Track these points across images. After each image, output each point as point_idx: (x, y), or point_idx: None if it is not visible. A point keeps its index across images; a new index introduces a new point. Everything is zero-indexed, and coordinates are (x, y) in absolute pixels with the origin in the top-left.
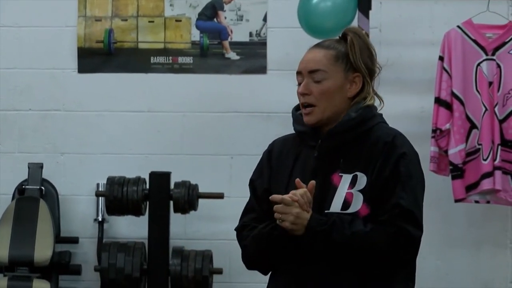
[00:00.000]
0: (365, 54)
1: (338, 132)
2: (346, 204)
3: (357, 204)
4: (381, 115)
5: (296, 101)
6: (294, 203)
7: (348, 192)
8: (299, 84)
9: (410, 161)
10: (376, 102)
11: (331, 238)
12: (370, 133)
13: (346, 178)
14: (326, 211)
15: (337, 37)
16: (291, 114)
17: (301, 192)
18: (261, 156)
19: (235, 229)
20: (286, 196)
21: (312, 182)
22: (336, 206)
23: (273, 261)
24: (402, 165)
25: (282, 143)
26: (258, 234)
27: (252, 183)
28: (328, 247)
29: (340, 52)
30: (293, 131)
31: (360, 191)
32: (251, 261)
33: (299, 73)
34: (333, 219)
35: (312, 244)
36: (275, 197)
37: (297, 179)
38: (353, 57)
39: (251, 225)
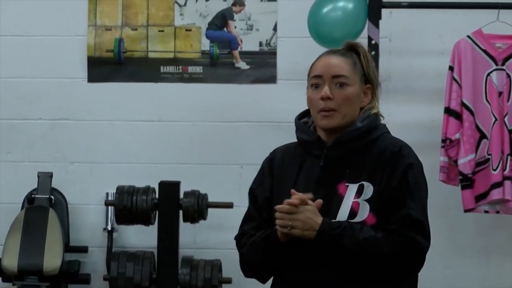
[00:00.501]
0: (373, 67)
1: (344, 142)
2: (352, 213)
3: (364, 213)
4: (385, 125)
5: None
6: (297, 210)
7: (354, 201)
8: (315, 86)
9: (417, 171)
10: None
11: (342, 242)
12: (376, 143)
13: (352, 188)
14: (333, 220)
15: (344, 49)
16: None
17: (301, 196)
18: (261, 164)
19: (234, 238)
20: (288, 205)
21: (320, 201)
22: (342, 215)
23: (269, 268)
24: (410, 175)
25: (283, 152)
26: (254, 241)
27: (252, 192)
28: (338, 252)
29: (356, 61)
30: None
31: (367, 200)
32: (247, 269)
33: (318, 76)
34: (345, 224)
35: (323, 248)
36: (280, 207)
37: (292, 190)
38: (366, 68)
39: (250, 233)
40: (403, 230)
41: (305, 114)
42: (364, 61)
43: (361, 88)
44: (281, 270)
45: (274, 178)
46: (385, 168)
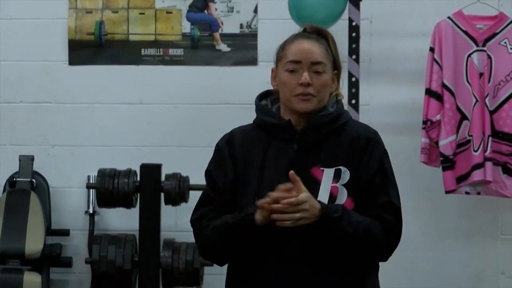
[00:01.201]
0: (338, 53)
1: (318, 126)
2: (332, 197)
3: (342, 198)
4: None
5: None
6: (302, 199)
7: (333, 186)
8: (290, 71)
9: (389, 159)
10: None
11: (342, 225)
12: (346, 127)
13: (329, 172)
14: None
15: (313, 34)
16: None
17: (295, 186)
18: (216, 146)
19: (191, 220)
20: (292, 199)
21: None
22: (322, 199)
23: (234, 251)
24: (386, 162)
25: (241, 134)
26: (220, 223)
27: (209, 174)
28: (337, 235)
29: (327, 48)
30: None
31: (344, 185)
32: (209, 251)
33: (296, 62)
34: (341, 207)
35: (326, 231)
36: (289, 201)
37: (291, 172)
38: (335, 54)
39: (210, 215)
40: (386, 216)
41: (264, 95)
42: (333, 47)
43: (332, 74)
44: (253, 260)
45: (237, 161)
46: (362, 153)
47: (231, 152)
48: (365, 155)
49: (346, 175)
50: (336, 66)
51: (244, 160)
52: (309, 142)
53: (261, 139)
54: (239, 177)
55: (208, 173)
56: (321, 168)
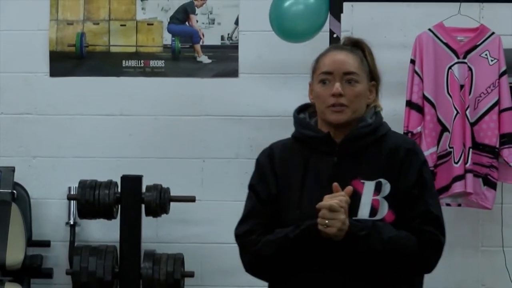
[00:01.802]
0: (375, 64)
1: (356, 138)
2: (373, 211)
3: (383, 210)
4: (386, 122)
5: (269, 105)
6: (341, 209)
7: (374, 199)
8: (323, 82)
9: (428, 168)
10: None
11: (370, 242)
12: (385, 139)
13: (369, 185)
14: (353, 218)
15: (349, 45)
16: (292, 117)
17: (346, 198)
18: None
19: (237, 235)
20: (333, 202)
21: (350, 187)
22: (363, 213)
23: (285, 266)
24: (424, 172)
25: (281, 148)
26: (281, 238)
27: (253, 188)
28: (366, 252)
29: (362, 58)
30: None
31: (385, 197)
32: (262, 266)
33: (328, 73)
34: (370, 224)
35: (351, 248)
36: (323, 204)
37: (335, 184)
38: (372, 65)
39: (259, 230)
40: (425, 227)
41: (303, 109)
42: (370, 58)
43: (367, 85)
44: (293, 270)
45: (278, 176)
46: (400, 165)
47: (272, 166)
48: (404, 167)
49: (386, 187)
50: (373, 77)
51: (285, 175)
52: (349, 154)
53: (300, 153)
54: (280, 192)
55: (251, 187)
56: (362, 181)
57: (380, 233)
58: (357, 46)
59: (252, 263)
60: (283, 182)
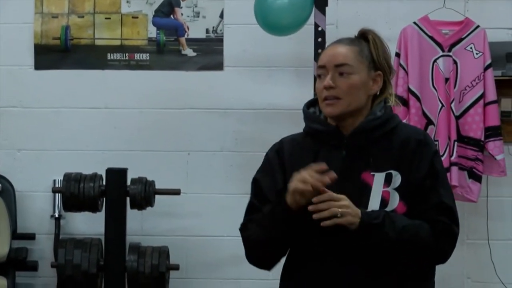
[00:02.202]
0: (386, 53)
1: (365, 130)
2: (384, 202)
3: (394, 202)
4: (397, 114)
5: (254, 98)
6: (341, 197)
7: (384, 190)
8: (319, 77)
9: (440, 159)
10: None
11: (384, 231)
12: (396, 131)
13: (379, 177)
14: (366, 210)
15: (354, 37)
16: (302, 112)
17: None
18: (266, 155)
19: (239, 229)
20: (330, 192)
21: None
22: (374, 205)
23: (278, 244)
24: (436, 163)
25: (290, 143)
26: (261, 217)
27: (255, 182)
28: (380, 241)
29: (363, 49)
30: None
31: (396, 189)
32: (254, 251)
33: (322, 67)
34: (384, 213)
35: (364, 238)
36: (320, 197)
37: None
38: (376, 55)
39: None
40: (438, 218)
41: (312, 103)
42: (374, 48)
43: (368, 75)
44: (303, 261)
45: (287, 171)
46: (412, 156)
47: (281, 161)
48: (415, 158)
49: (397, 179)
50: (378, 67)
51: (294, 169)
52: (358, 147)
53: (310, 147)
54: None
55: (254, 181)
56: (372, 173)
57: (394, 221)
58: (362, 36)
59: (248, 250)
60: (291, 176)
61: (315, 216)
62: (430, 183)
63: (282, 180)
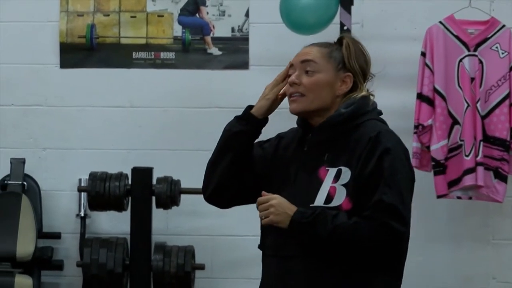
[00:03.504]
0: (361, 57)
1: (326, 127)
2: (329, 197)
3: (340, 198)
4: (377, 112)
5: None
6: (270, 198)
7: (332, 186)
8: (289, 76)
9: (394, 156)
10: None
11: (314, 230)
12: (358, 129)
13: (332, 172)
14: (311, 205)
15: (331, 42)
16: None
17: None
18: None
19: None
20: (261, 197)
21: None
22: (320, 199)
23: (227, 160)
24: (386, 160)
25: (290, 133)
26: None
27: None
28: (311, 240)
29: (334, 51)
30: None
31: (344, 185)
32: (206, 175)
33: (291, 65)
34: (317, 212)
35: (297, 236)
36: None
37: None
38: (348, 57)
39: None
40: (376, 215)
41: None
42: (346, 51)
43: (336, 76)
44: (264, 257)
45: (272, 158)
46: (361, 153)
47: (277, 148)
48: (363, 155)
49: (346, 175)
50: (348, 69)
51: (280, 159)
52: (318, 142)
53: (296, 140)
54: (273, 173)
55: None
56: (327, 168)
57: (326, 220)
58: (339, 42)
59: (204, 178)
60: (277, 164)
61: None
62: (374, 181)
63: (269, 160)
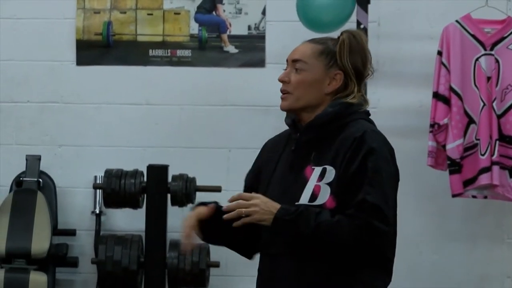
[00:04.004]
0: (357, 55)
1: (313, 126)
2: (313, 196)
3: (324, 196)
4: (365, 112)
5: None
6: (253, 196)
7: (316, 184)
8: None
9: (378, 156)
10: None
11: (296, 227)
12: (345, 128)
13: (317, 171)
14: (296, 203)
15: (331, 37)
16: None
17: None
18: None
19: None
20: (242, 194)
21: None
22: (304, 198)
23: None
24: (370, 160)
25: (275, 138)
26: None
27: (245, 179)
28: (294, 237)
29: (327, 48)
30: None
31: (328, 184)
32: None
33: (286, 61)
34: (300, 210)
35: (279, 234)
36: (232, 197)
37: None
38: (339, 55)
39: None
40: (358, 215)
41: None
42: (339, 48)
43: (325, 74)
44: (260, 254)
45: (262, 163)
46: (346, 152)
47: (262, 154)
48: (347, 154)
49: (330, 174)
50: (340, 67)
51: (267, 162)
52: (305, 141)
53: (284, 141)
54: (262, 178)
55: (245, 179)
56: (313, 167)
57: (309, 219)
58: (338, 37)
59: None
60: (265, 168)
61: (224, 216)
62: (358, 180)
63: (254, 175)
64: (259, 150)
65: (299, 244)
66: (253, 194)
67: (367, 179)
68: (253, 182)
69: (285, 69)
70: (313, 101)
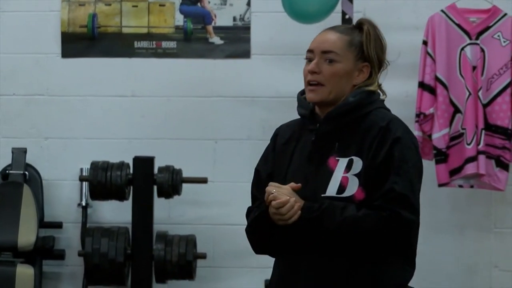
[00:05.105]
0: (378, 45)
1: (335, 116)
2: (341, 188)
3: (353, 188)
4: (382, 101)
5: (282, 86)
6: (287, 199)
7: (343, 176)
8: (307, 60)
9: (404, 145)
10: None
11: (322, 224)
12: (367, 118)
13: (343, 162)
14: (322, 195)
15: (351, 26)
16: (296, 98)
17: (285, 190)
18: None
19: (246, 217)
20: (280, 200)
21: (297, 185)
22: (331, 190)
23: (268, 241)
24: (396, 149)
25: (286, 127)
26: (253, 218)
27: (256, 172)
28: (320, 234)
29: (354, 39)
30: (293, 117)
31: (356, 175)
32: (252, 244)
33: (310, 51)
34: (325, 206)
35: (305, 232)
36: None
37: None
38: (366, 46)
39: (254, 211)
40: (386, 205)
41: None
42: (366, 39)
43: (355, 65)
44: (277, 254)
45: (276, 155)
46: (372, 142)
47: (274, 145)
48: (374, 144)
49: (358, 165)
50: (366, 59)
51: (281, 153)
52: (327, 132)
53: (298, 131)
54: (275, 170)
55: (255, 172)
56: (337, 158)
57: (334, 214)
58: (359, 27)
59: (249, 242)
60: (278, 160)
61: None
62: (385, 170)
63: (272, 164)
64: (270, 140)
65: (323, 241)
66: (290, 198)
67: (394, 168)
68: (271, 173)
69: (308, 59)
70: (342, 93)
